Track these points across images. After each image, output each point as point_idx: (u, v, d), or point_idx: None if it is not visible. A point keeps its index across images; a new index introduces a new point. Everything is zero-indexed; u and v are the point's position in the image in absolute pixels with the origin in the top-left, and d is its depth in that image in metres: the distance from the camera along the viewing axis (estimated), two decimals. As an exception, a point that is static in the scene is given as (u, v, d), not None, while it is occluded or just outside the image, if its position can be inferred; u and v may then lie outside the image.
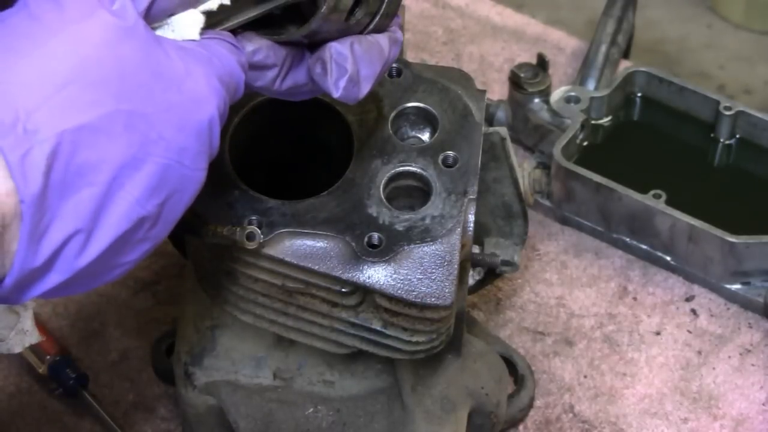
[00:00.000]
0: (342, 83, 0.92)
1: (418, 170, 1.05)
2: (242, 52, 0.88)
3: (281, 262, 1.01)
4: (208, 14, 0.87)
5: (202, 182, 0.85)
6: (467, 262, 1.09)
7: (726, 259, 1.35)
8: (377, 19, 0.94)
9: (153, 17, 0.84)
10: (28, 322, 1.10)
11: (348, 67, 0.92)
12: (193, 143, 0.83)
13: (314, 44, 0.92)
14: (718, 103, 1.47)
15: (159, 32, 0.85)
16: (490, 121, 1.51)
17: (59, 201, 0.78)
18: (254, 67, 0.91)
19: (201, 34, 0.86)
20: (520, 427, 1.27)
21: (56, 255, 0.79)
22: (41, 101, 0.76)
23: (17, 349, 1.10)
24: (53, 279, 0.80)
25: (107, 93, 0.78)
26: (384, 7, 0.95)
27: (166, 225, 0.85)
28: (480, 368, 1.18)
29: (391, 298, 1.00)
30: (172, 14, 0.85)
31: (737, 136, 1.47)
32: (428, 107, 1.09)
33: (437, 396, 1.14)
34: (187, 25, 0.85)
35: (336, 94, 0.92)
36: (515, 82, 1.48)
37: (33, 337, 1.10)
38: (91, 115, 0.78)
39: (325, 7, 0.89)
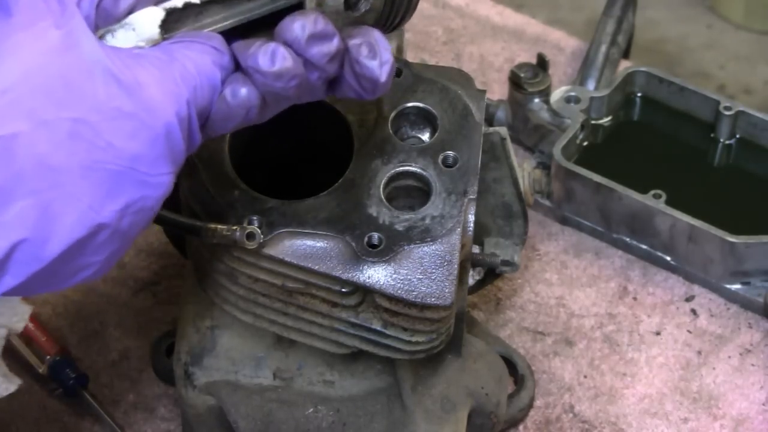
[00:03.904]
0: (387, 68, 0.90)
1: (418, 170, 1.05)
2: (222, 52, 0.86)
3: (281, 262, 1.01)
4: (179, 15, 0.86)
5: (169, 185, 0.84)
6: (467, 262, 1.09)
7: (726, 259, 1.35)
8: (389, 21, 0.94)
9: (112, 16, 0.82)
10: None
11: (390, 58, 0.90)
12: (147, 150, 0.81)
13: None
14: (718, 103, 1.47)
15: (120, 33, 0.83)
16: (490, 121, 1.51)
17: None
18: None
19: (166, 34, 0.84)
20: (520, 427, 1.27)
21: (5, 261, 0.78)
22: None
23: None
24: (8, 282, 0.80)
25: (49, 101, 0.77)
26: (393, 6, 0.94)
27: (135, 228, 0.84)
28: (480, 368, 1.18)
29: (391, 298, 1.00)
30: (132, 11, 0.84)
31: (737, 136, 1.47)
32: (428, 107, 1.09)
33: (437, 396, 1.14)
34: (147, 22, 0.83)
35: (382, 78, 0.90)
36: (515, 82, 1.49)
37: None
38: (30, 123, 0.77)
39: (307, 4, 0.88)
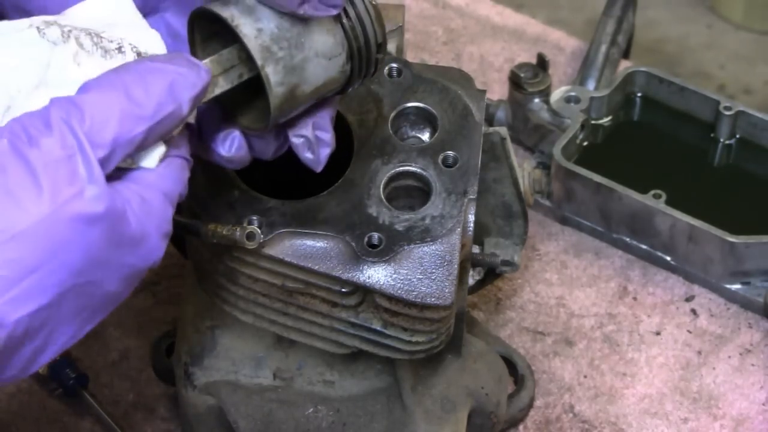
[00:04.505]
0: (323, 158, 0.98)
1: (418, 170, 1.05)
2: (191, 162, 0.90)
3: (281, 262, 1.01)
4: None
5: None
6: (467, 262, 1.09)
7: (726, 259, 1.35)
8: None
9: (125, 160, 0.85)
10: None
11: (329, 141, 0.97)
12: (132, 285, 0.86)
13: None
14: (718, 103, 1.47)
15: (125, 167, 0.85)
16: (490, 121, 1.51)
17: (2, 365, 0.81)
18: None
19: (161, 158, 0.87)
20: (520, 427, 1.27)
21: None
22: (4, 291, 0.78)
23: None
24: None
25: (69, 274, 0.80)
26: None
27: None
28: (480, 368, 1.18)
29: (391, 298, 1.00)
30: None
31: (737, 136, 1.47)
32: (428, 107, 1.09)
33: (437, 396, 1.14)
34: (148, 156, 0.86)
35: (319, 169, 0.98)
36: (515, 82, 1.48)
37: None
38: (49, 295, 0.80)
39: (269, 117, 0.91)
